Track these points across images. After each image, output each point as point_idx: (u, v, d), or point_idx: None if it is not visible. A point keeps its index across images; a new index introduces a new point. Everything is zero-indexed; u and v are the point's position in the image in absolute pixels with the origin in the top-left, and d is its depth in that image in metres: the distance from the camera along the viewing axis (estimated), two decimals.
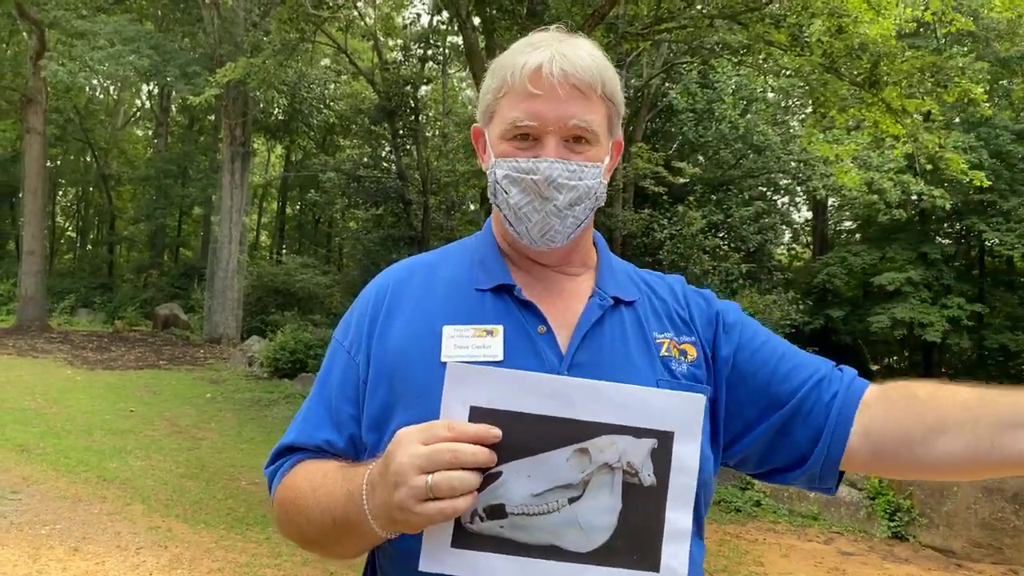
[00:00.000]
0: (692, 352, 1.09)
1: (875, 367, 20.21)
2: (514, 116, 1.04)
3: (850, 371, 1.12)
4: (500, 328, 1.03)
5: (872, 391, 1.07)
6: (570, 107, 1.02)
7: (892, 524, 6.42)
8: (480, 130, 1.13)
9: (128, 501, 5.73)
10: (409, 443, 0.86)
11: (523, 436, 0.88)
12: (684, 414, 0.89)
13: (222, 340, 16.57)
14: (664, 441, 0.89)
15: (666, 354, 1.07)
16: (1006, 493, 5.95)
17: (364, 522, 0.91)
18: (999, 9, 8.14)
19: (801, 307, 15.28)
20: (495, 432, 0.87)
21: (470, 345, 1.01)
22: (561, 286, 1.11)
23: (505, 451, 0.87)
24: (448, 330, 1.03)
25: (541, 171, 1.02)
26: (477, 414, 0.88)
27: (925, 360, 20.33)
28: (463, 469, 0.84)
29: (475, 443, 0.85)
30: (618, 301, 1.10)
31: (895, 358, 23.04)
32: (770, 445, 1.10)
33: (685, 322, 1.12)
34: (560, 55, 1.02)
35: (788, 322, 14.20)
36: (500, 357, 1.00)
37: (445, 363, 0.97)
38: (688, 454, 0.89)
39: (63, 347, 14.67)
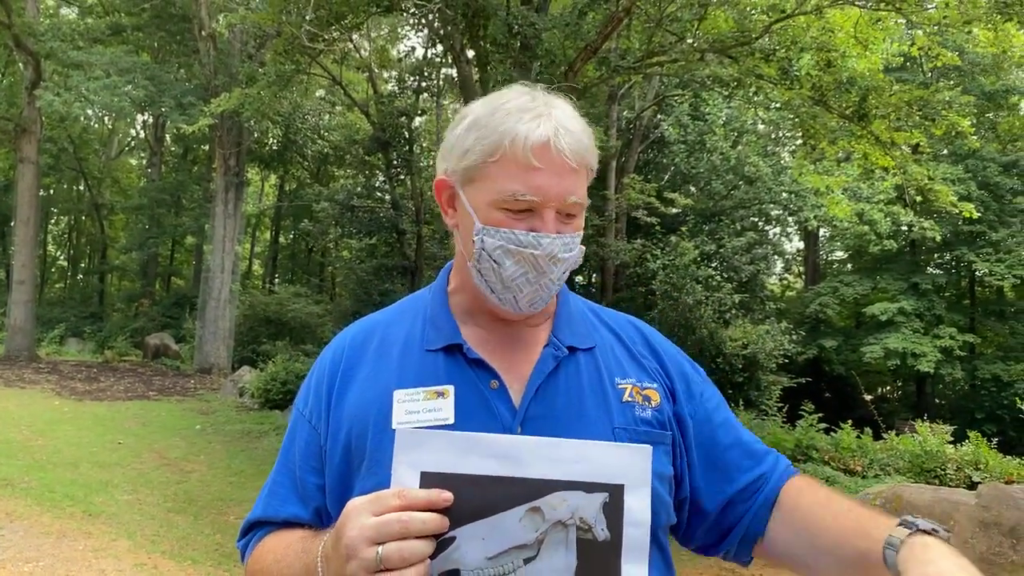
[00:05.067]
0: (655, 397, 1.08)
1: (868, 397, 20.20)
2: (514, 188, 1.00)
3: (781, 462, 1.14)
4: (451, 388, 1.02)
5: (785, 492, 1.09)
6: (568, 183, 1.01)
7: None
8: (448, 184, 1.08)
9: (114, 537, 5.62)
10: (358, 514, 0.85)
11: (475, 498, 0.87)
12: (633, 466, 0.90)
13: (213, 370, 16.44)
14: (615, 494, 0.89)
15: (629, 399, 1.06)
16: (1003, 527, 5.90)
17: None
18: (984, 45, 8.29)
19: (794, 337, 15.30)
20: (446, 496, 0.86)
21: (421, 409, 1.01)
22: (517, 336, 1.10)
23: (458, 515, 0.87)
24: (399, 394, 1.02)
25: (543, 247, 1.01)
26: (428, 479, 0.88)
27: (918, 390, 20.35)
28: (415, 538, 0.84)
29: (426, 509, 0.85)
30: (574, 349, 1.09)
31: (888, 388, 23.06)
32: (695, 519, 1.12)
33: (648, 367, 1.12)
34: (564, 129, 1.01)
35: (781, 352, 14.21)
36: (451, 420, 1.00)
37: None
38: (639, 505, 0.89)
39: (51, 377, 14.51)
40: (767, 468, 1.12)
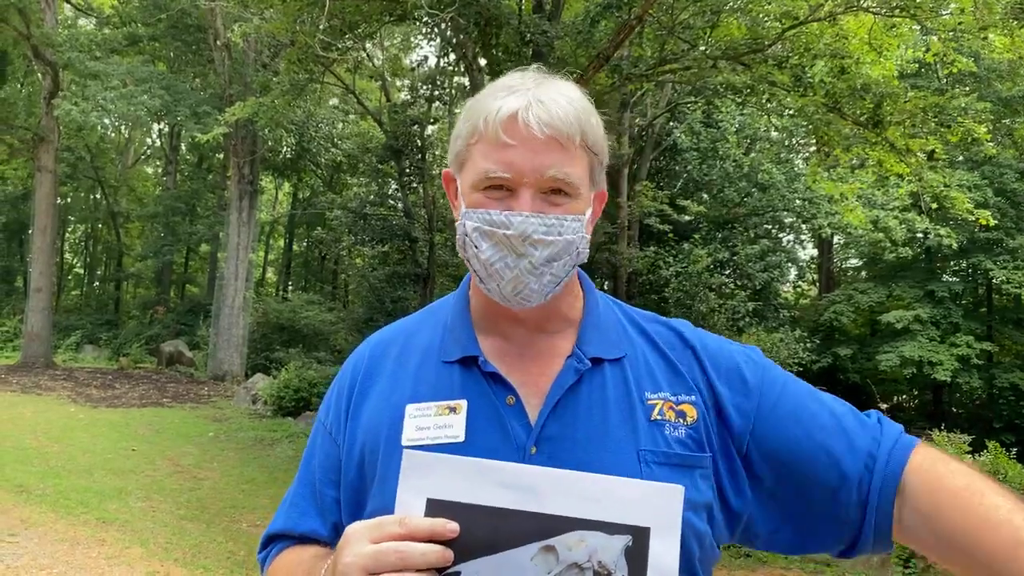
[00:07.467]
0: (692, 413, 0.98)
1: (884, 406, 19.99)
2: (486, 167, 0.95)
3: (889, 435, 0.98)
4: (464, 403, 0.96)
5: (908, 473, 0.94)
6: (547, 157, 0.93)
7: (907, 571, 6.26)
8: (451, 175, 1.04)
9: (127, 544, 5.64)
10: (356, 541, 0.81)
11: (484, 531, 0.81)
12: (661, 508, 0.81)
13: (226, 377, 16.52)
14: (639, 538, 0.81)
15: (659, 417, 0.97)
16: None
17: None
18: (1000, 51, 8.21)
19: (808, 345, 15.18)
20: (452, 527, 0.80)
21: (431, 425, 0.95)
22: (537, 347, 1.02)
23: (464, 548, 0.80)
24: (410, 409, 0.97)
25: (515, 225, 0.93)
26: (434, 507, 0.82)
27: (935, 399, 20.11)
28: (414, 571, 0.78)
29: (430, 539, 0.80)
30: (599, 361, 1.00)
31: (904, 397, 22.81)
32: (799, 529, 0.99)
33: (687, 374, 1.01)
34: (537, 102, 0.94)
35: (795, 360, 14.09)
36: (461, 437, 0.94)
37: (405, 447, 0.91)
38: (666, 552, 0.81)
39: (67, 384, 14.63)
40: (864, 451, 0.96)
